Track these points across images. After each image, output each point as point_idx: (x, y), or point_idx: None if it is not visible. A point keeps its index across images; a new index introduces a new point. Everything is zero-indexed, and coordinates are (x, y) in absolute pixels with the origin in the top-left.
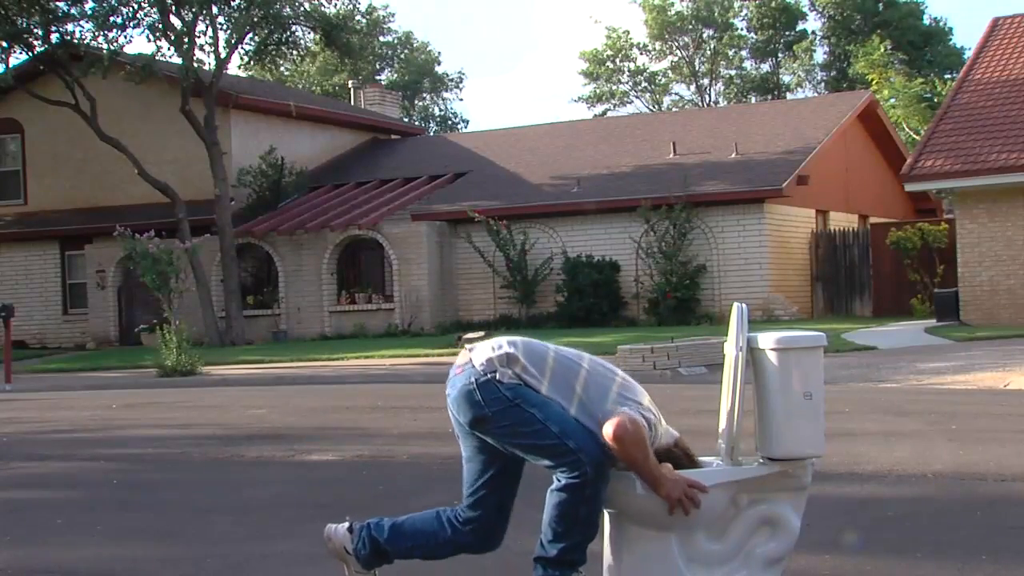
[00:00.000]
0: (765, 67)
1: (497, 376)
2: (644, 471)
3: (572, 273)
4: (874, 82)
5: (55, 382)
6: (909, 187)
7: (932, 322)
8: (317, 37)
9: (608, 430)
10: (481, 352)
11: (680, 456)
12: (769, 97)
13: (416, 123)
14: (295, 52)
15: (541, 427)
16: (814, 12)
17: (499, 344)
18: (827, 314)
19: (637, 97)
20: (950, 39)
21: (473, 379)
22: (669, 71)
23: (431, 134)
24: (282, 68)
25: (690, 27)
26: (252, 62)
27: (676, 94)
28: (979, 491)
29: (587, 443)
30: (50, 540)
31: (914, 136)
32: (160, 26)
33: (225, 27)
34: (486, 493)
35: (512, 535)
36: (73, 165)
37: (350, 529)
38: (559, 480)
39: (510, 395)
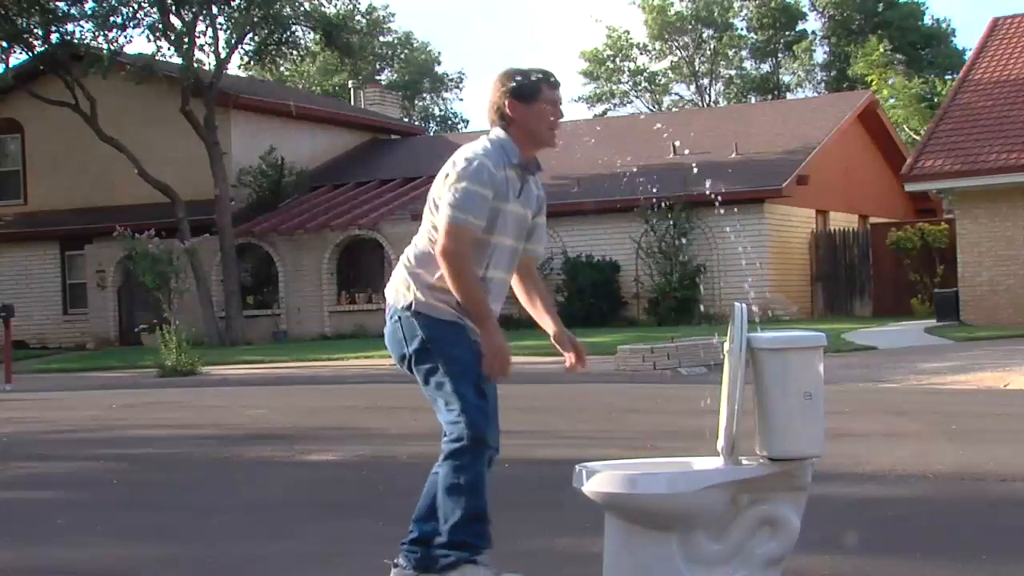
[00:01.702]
0: (765, 67)
1: (414, 307)
2: (471, 309)
3: (572, 273)
4: (873, 83)
5: (55, 382)
6: (909, 187)
7: (932, 322)
8: (317, 37)
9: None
10: (391, 289)
11: None
12: (769, 97)
13: (416, 123)
14: (295, 52)
15: (441, 380)
16: (814, 12)
17: (399, 272)
18: (827, 314)
19: (637, 97)
20: (951, 40)
21: (397, 316)
22: (669, 71)
23: (431, 134)
24: (282, 68)
25: (690, 27)
26: (252, 62)
27: (676, 94)
28: (979, 491)
29: (474, 412)
30: (50, 540)
31: (914, 136)
32: (160, 26)
33: (225, 27)
34: None
35: (514, 535)
36: (73, 165)
37: (395, 564)
38: (443, 449)
39: (425, 335)
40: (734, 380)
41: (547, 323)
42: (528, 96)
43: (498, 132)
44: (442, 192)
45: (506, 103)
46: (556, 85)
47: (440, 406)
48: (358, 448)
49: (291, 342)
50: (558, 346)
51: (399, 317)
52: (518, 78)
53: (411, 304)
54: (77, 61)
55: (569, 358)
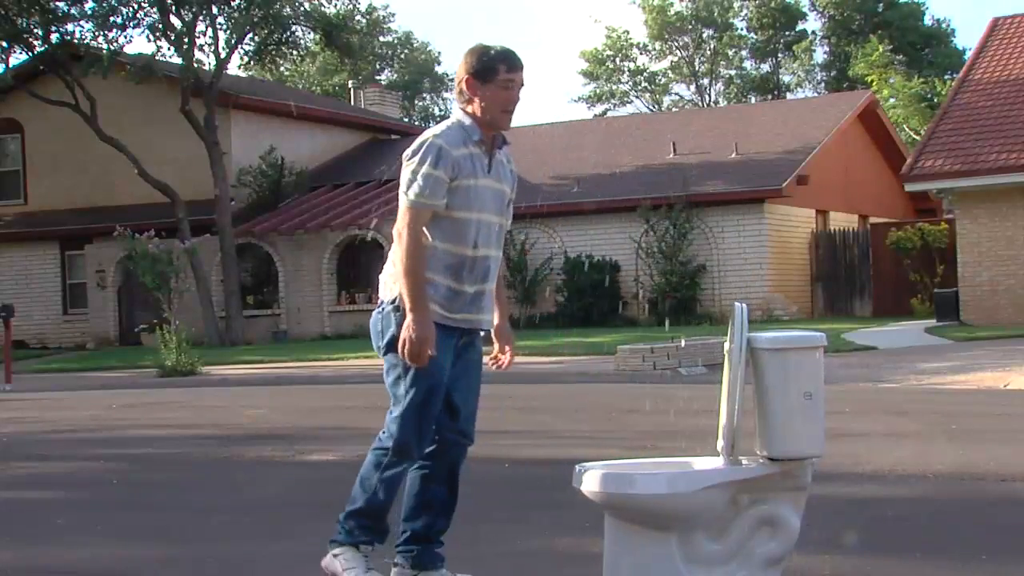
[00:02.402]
0: (765, 67)
1: (398, 302)
2: (406, 289)
3: (572, 273)
4: (873, 83)
5: (55, 382)
6: (909, 187)
7: (932, 322)
8: (317, 37)
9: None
10: (381, 282)
11: None
12: (769, 97)
13: (416, 123)
14: (295, 52)
15: (398, 379)
16: (814, 12)
17: (388, 267)
18: (827, 314)
19: (637, 97)
20: (951, 40)
21: (383, 308)
22: (669, 71)
23: None
24: (282, 68)
25: (690, 27)
26: (252, 62)
27: (676, 94)
28: (979, 491)
29: (410, 422)
30: (50, 540)
31: (914, 136)
32: (160, 26)
33: (225, 27)
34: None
35: (514, 535)
36: (73, 165)
37: (395, 564)
38: (376, 438)
39: (397, 331)
40: (734, 380)
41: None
42: (484, 76)
43: (459, 112)
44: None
45: (465, 81)
46: (516, 67)
47: (392, 401)
48: (358, 448)
49: (291, 342)
50: (494, 336)
51: (384, 309)
52: (478, 57)
53: (396, 299)
54: (77, 61)
55: (498, 353)
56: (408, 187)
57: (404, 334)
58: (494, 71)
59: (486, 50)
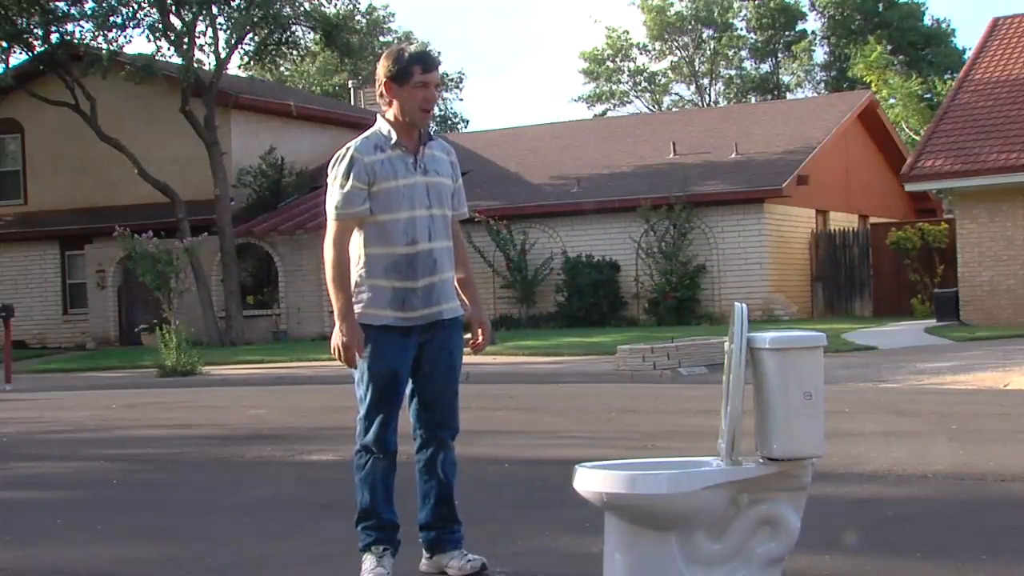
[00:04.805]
0: (765, 67)
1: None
2: (333, 299)
3: (572, 273)
4: (873, 84)
5: (55, 382)
6: (909, 187)
7: (932, 322)
8: (317, 37)
9: None
10: None
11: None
12: (769, 97)
13: None
14: (295, 52)
15: (358, 379)
16: (814, 12)
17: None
18: (827, 314)
19: (637, 97)
20: (951, 40)
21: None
22: (669, 71)
23: None
24: (282, 68)
25: (690, 27)
26: (252, 62)
27: (676, 94)
28: (979, 491)
29: (368, 422)
30: (50, 540)
31: (914, 136)
32: (160, 26)
33: (225, 27)
34: None
35: (514, 535)
36: (73, 165)
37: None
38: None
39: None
40: (734, 380)
41: (465, 297)
42: (400, 78)
43: (380, 119)
44: None
45: (384, 85)
46: (430, 68)
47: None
48: None
49: (291, 342)
50: (469, 322)
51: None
52: (393, 60)
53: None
54: (77, 61)
55: (473, 340)
56: (328, 203)
57: (334, 341)
58: (409, 73)
59: (401, 53)
